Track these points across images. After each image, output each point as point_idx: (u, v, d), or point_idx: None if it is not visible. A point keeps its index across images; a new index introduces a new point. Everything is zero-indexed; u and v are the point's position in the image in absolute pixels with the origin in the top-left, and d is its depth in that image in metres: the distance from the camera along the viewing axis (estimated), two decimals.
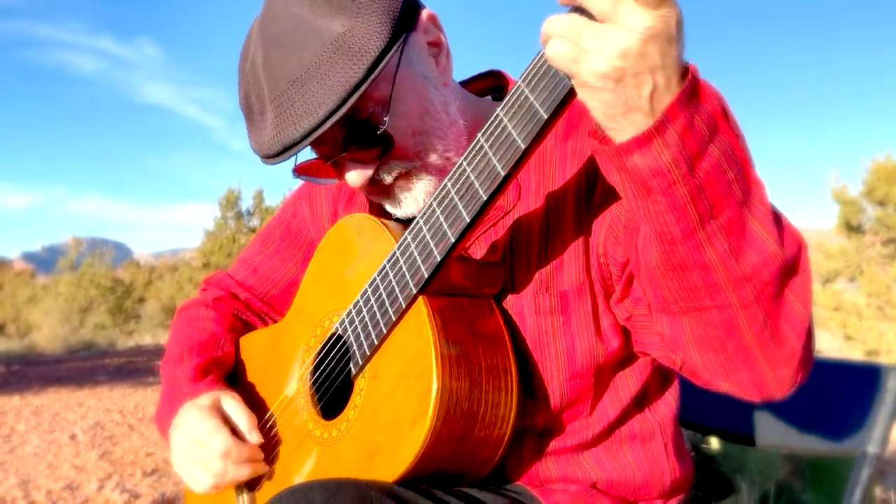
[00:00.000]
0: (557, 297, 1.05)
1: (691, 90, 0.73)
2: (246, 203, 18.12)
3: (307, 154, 1.10)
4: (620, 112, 0.73)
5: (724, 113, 0.77)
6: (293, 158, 1.06)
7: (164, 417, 1.28)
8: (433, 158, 1.07)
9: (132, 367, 10.02)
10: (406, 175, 1.08)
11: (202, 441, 1.15)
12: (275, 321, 1.46)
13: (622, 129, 0.74)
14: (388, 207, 1.13)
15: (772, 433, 1.73)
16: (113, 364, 10.51)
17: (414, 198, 1.09)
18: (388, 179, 1.07)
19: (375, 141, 1.03)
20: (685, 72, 0.74)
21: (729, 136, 0.76)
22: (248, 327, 1.46)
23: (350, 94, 0.95)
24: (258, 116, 1.04)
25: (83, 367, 10.19)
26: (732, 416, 1.68)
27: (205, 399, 1.21)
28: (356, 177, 1.05)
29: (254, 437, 1.17)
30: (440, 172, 1.08)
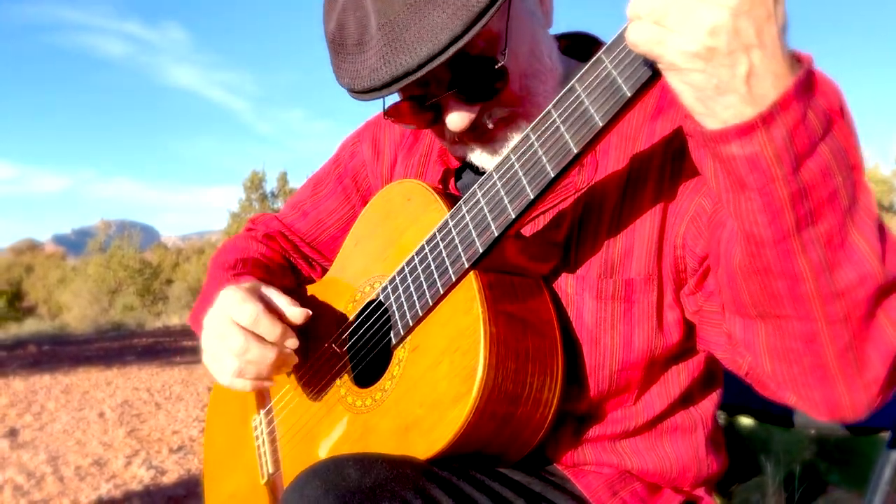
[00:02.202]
0: (622, 284, 0.98)
1: (807, 80, 0.65)
2: (270, 185, 18.22)
3: (393, 99, 1.03)
4: (712, 95, 0.66)
5: (842, 110, 0.69)
6: (382, 100, 0.99)
7: (200, 311, 1.16)
8: (535, 105, 1.00)
9: (160, 348, 10.13)
10: (505, 121, 1.01)
11: (231, 311, 1.02)
12: (324, 268, 1.39)
13: (715, 114, 0.67)
14: (478, 156, 1.05)
15: (802, 413, 1.67)
16: (141, 344, 10.63)
17: (511, 146, 1.01)
18: (489, 124, 1.00)
19: (490, 77, 0.95)
20: (794, 58, 0.66)
21: (843, 136, 0.68)
22: (296, 271, 1.39)
23: (476, 20, 0.87)
24: (354, 48, 0.96)
25: (112, 347, 10.32)
26: (762, 396, 1.62)
27: (245, 283, 1.09)
28: (459, 119, 0.97)
29: (294, 311, 1.04)
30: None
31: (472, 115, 0.97)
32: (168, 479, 3.77)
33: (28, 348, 9.92)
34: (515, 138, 0.99)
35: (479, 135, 1.01)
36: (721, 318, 0.90)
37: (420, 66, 0.89)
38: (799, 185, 0.66)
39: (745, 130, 0.66)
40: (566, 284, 1.01)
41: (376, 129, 1.32)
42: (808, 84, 0.66)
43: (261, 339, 1.01)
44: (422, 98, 0.99)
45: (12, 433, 4.79)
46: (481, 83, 0.95)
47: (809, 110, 0.66)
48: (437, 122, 1.02)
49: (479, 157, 1.05)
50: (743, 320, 0.82)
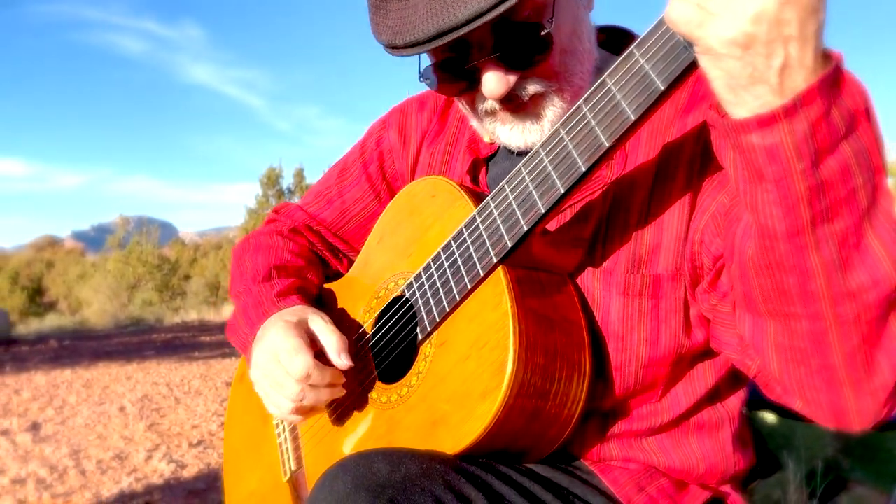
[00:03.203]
0: (650, 280, 0.97)
1: (834, 77, 0.64)
2: (287, 181, 18.27)
3: (429, 64, 1.02)
4: (744, 84, 0.65)
5: (867, 112, 0.68)
6: (418, 63, 0.99)
7: (246, 332, 1.19)
8: (570, 84, 0.99)
9: (178, 343, 10.20)
10: (540, 97, 0.99)
11: (283, 360, 1.05)
12: (349, 259, 1.39)
13: (743, 104, 0.66)
14: (507, 132, 1.03)
15: None
16: (160, 339, 10.72)
17: (540, 127, 1.00)
18: (524, 96, 0.99)
19: (533, 45, 0.94)
20: (826, 56, 0.65)
21: (867, 137, 0.67)
22: (324, 264, 1.38)
23: None
24: (397, 4, 0.95)
25: (131, 342, 10.41)
26: None
27: (290, 315, 1.12)
28: (497, 85, 0.96)
29: (342, 361, 1.07)
30: (570, 102, 0.99)
31: (510, 84, 0.96)
32: (188, 472, 3.80)
33: (49, 343, 10.03)
34: (548, 116, 0.99)
35: (514, 107, 1.00)
36: (733, 320, 0.89)
37: (469, 21, 0.88)
38: (817, 180, 0.66)
39: (766, 121, 0.65)
40: (593, 280, 1.00)
41: (403, 115, 1.31)
42: (834, 81, 0.65)
43: (314, 386, 1.05)
44: (460, 62, 0.98)
45: (35, 427, 4.85)
46: (523, 50, 0.94)
47: (834, 108, 0.65)
48: (472, 90, 1.00)
49: (509, 134, 1.03)
50: (752, 318, 0.81)
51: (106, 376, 7.01)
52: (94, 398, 5.85)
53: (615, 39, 1.14)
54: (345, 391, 1.10)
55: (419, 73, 1.03)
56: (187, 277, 20.09)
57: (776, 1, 0.62)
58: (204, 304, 17.51)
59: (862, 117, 0.67)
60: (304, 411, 1.08)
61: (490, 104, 1.00)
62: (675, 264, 0.96)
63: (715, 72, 0.67)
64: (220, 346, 8.87)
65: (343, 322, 1.19)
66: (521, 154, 1.14)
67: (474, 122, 1.10)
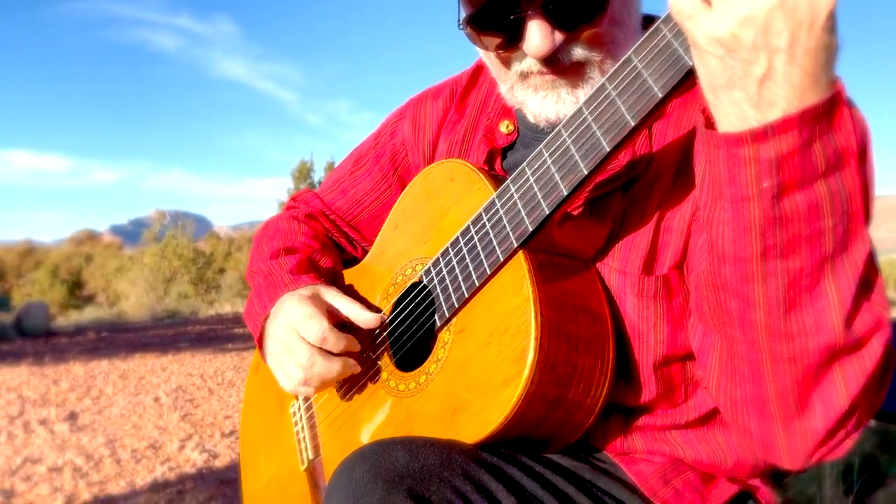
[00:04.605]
0: (662, 281, 0.95)
1: (825, 109, 0.60)
2: (318, 174, 18.37)
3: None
4: (721, 85, 0.63)
5: (861, 154, 0.64)
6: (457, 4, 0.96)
7: (259, 310, 1.20)
8: (613, 58, 0.96)
9: (213, 335, 10.32)
10: (580, 67, 0.97)
11: (298, 326, 1.06)
12: (363, 248, 1.38)
13: (720, 106, 0.64)
14: (538, 102, 1.00)
15: None
16: (195, 331, 10.85)
17: (575, 98, 0.97)
18: (565, 61, 0.95)
19: (587, 5, 0.91)
20: (828, 84, 0.61)
21: (852, 181, 0.63)
22: (339, 249, 1.39)
23: None
24: None
25: (167, 334, 10.56)
26: None
27: (305, 290, 1.14)
28: (542, 42, 0.92)
29: (366, 317, 1.08)
30: None
31: (555, 43, 0.93)
32: (220, 462, 3.85)
33: (87, 335, 10.22)
34: (583, 88, 0.96)
35: (553, 70, 0.97)
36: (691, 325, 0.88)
37: None
38: (775, 213, 0.63)
39: (733, 141, 0.63)
40: (609, 279, 0.98)
41: (418, 106, 1.30)
42: (824, 114, 0.61)
43: (326, 353, 1.05)
44: (505, 11, 0.94)
45: (72, 416, 4.94)
46: (577, 8, 0.91)
47: (817, 143, 0.61)
48: (511, 46, 0.97)
49: (541, 103, 1.00)
50: (703, 328, 0.81)
51: (142, 367, 7.12)
52: (130, 389, 5.95)
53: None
54: (359, 368, 1.09)
55: (461, 22, 1.00)
56: (222, 271, 20.33)
57: (768, 7, 0.59)
58: (238, 296, 17.69)
59: (852, 158, 0.63)
60: (315, 382, 1.07)
61: (528, 64, 0.97)
62: (678, 261, 0.95)
63: (699, 68, 0.66)
64: (252, 339, 8.87)
65: None
66: (541, 140, 1.13)
67: (503, 89, 1.07)
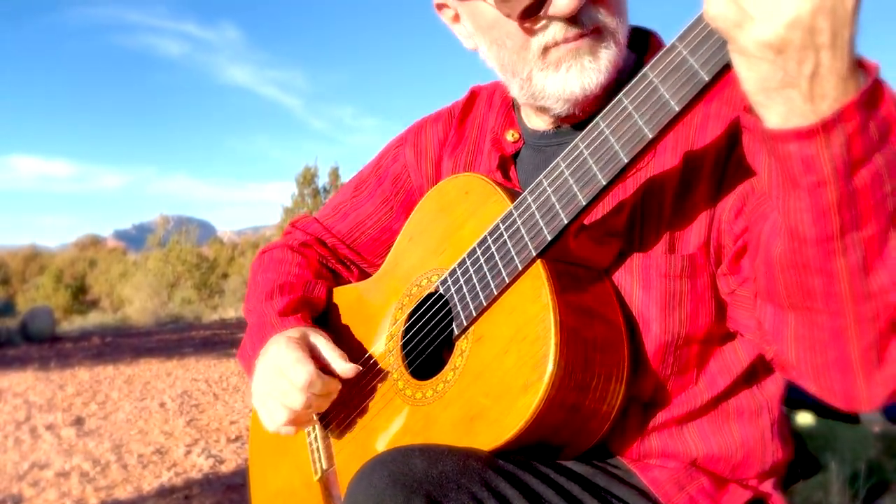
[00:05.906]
0: (687, 260, 0.98)
1: (872, 91, 0.65)
2: (322, 180, 18.41)
3: None
4: (775, 87, 0.66)
5: None
6: None
7: (250, 352, 1.24)
8: (620, 37, 1.01)
9: (217, 340, 10.34)
10: (599, 33, 1.00)
11: (285, 371, 1.10)
12: (361, 270, 1.41)
13: (773, 106, 0.68)
14: (561, 77, 1.01)
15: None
16: (199, 336, 10.87)
17: (598, 67, 1.00)
18: (588, 23, 0.99)
19: None
20: (859, 63, 0.66)
21: None
22: (335, 276, 1.41)
23: None
24: None
25: (171, 339, 10.58)
26: None
27: (293, 332, 1.17)
28: None
29: (345, 369, 1.11)
30: (619, 56, 1.02)
31: (581, 0, 0.95)
32: (226, 467, 3.86)
33: (92, 340, 10.25)
34: (602, 58, 1.00)
35: (577, 34, 0.98)
36: (753, 305, 0.91)
37: None
38: (849, 190, 0.67)
39: (805, 134, 0.66)
40: (632, 266, 1.01)
41: (419, 132, 1.33)
42: (872, 95, 0.66)
43: (317, 393, 1.09)
44: None
45: (79, 421, 4.96)
46: None
47: (871, 121, 0.66)
48: (538, 10, 0.97)
49: (564, 77, 1.01)
50: (774, 309, 0.84)
51: (147, 372, 7.14)
52: (136, 394, 5.97)
53: (637, 39, 1.14)
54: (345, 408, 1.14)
55: None
56: (225, 276, 20.37)
57: (811, 10, 0.62)
58: (241, 301, 17.70)
59: (894, 125, 0.68)
60: (299, 422, 1.13)
61: (552, 33, 0.99)
62: (703, 243, 0.98)
63: (747, 73, 0.68)
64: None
65: (373, 320, 1.20)
66: (549, 146, 1.14)
67: (515, 88, 1.08)
